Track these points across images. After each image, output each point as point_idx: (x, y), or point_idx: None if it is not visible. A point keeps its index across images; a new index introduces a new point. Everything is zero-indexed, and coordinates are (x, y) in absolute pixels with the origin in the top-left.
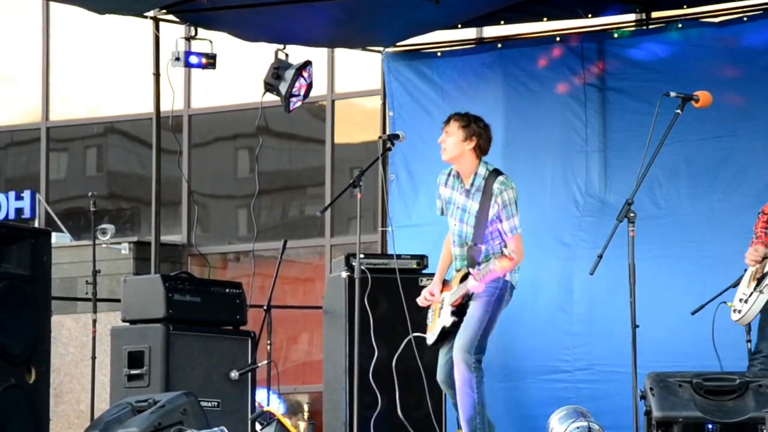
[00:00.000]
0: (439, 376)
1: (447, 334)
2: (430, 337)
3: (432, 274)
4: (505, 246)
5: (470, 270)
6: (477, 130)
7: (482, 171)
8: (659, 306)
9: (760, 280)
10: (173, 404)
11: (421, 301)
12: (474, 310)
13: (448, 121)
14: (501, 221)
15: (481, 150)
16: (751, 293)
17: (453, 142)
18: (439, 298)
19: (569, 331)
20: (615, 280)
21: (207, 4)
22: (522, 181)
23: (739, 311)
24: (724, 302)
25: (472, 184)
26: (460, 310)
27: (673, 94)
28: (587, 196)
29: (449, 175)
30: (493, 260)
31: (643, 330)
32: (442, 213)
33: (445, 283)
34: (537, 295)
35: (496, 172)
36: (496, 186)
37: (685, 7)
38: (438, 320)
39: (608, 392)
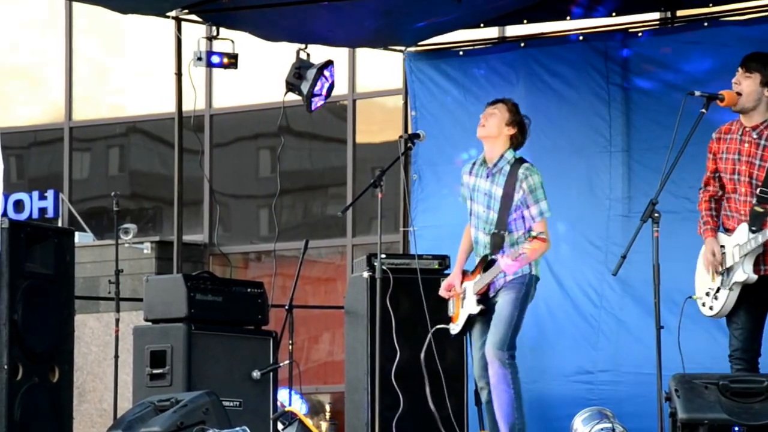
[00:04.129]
0: (476, 371)
1: (472, 324)
2: (455, 327)
3: None
4: (530, 231)
5: (495, 256)
6: (521, 121)
7: (509, 156)
8: (685, 307)
9: (724, 275)
10: (195, 404)
11: (442, 292)
12: (502, 308)
13: (494, 102)
14: (528, 206)
15: (517, 142)
16: (719, 288)
17: (495, 122)
18: (460, 290)
19: (594, 332)
20: (642, 281)
21: (229, 4)
22: (545, 182)
23: (711, 307)
24: (690, 296)
25: (495, 165)
26: (485, 298)
27: (697, 93)
28: (612, 197)
29: (474, 164)
30: (524, 243)
31: (668, 331)
32: (465, 201)
33: (464, 274)
34: (562, 295)
35: (521, 160)
36: (521, 171)
37: (710, 5)
38: (462, 310)
39: (632, 394)
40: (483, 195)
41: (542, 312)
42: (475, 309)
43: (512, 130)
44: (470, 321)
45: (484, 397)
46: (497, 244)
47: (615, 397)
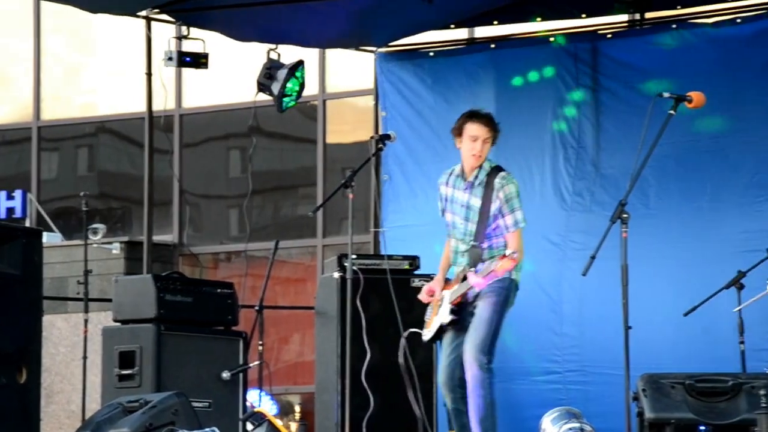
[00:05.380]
0: (441, 378)
1: (443, 333)
2: (427, 333)
3: (424, 275)
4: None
5: (470, 270)
6: (498, 131)
7: (486, 166)
8: (651, 307)
9: None
10: (164, 404)
11: (422, 297)
12: (483, 311)
13: (484, 124)
14: (503, 216)
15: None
16: None
17: (487, 150)
18: (439, 296)
19: (560, 332)
20: (606, 281)
21: (199, 4)
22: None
23: None
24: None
25: (475, 177)
26: (459, 309)
27: (666, 94)
28: (577, 196)
29: (450, 174)
30: (496, 260)
31: (636, 331)
32: (443, 213)
33: (446, 282)
34: (528, 295)
35: (498, 168)
36: (497, 181)
37: (678, 7)
38: (436, 318)
39: (600, 393)
40: (460, 207)
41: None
42: (447, 318)
43: (492, 144)
44: (442, 329)
45: (449, 404)
46: (476, 257)
47: (583, 396)
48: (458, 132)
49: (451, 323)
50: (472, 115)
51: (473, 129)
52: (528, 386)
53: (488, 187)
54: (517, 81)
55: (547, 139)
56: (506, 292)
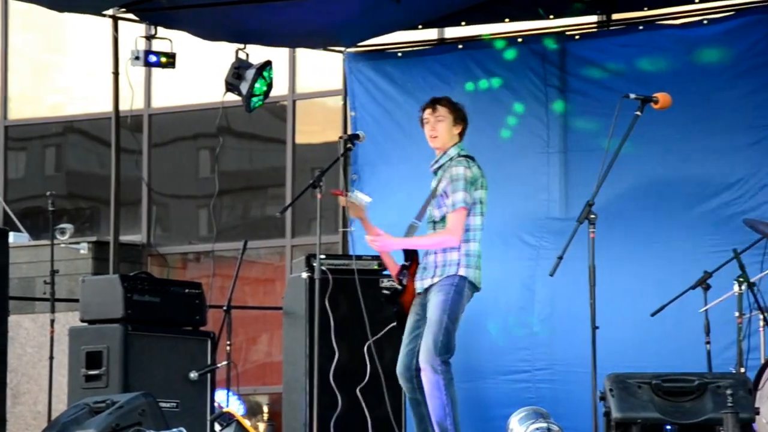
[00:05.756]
0: (398, 368)
1: (403, 321)
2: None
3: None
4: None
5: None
6: (463, 115)
7: (452, 152)
8: (620, 307)
9: None
10: (131, 405)
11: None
12: (432, 314)
13: (433, 106)
14: (448, 195)
15: (461, 137)
16: None
17: (445, 128)
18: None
19: (530, 331)
20: (577, 282)
21: (167, 3)
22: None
23: None
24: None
25: (437, 161)
26: (398, 298)
27: (632, 95)
28: (549, 197)
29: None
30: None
31: (604, 331)
32: None
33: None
34: (498, 295)
35: (465, 157)
36: (449, 161)
37: (645, 9)
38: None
39: (568, 393)
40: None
41: (478, 311)
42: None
43: (459, 128)
44: (402, 321)
45: (408, 394)
46: (410, 232)
47: (552, 396)
48: (420, 124)
49: (391, 295)
50: (435, 99)
51: (422, 114)
52: (497, 385)
53: (443, 170)
54: (483, 82)
55: (517, 140)
56: (454, 289)
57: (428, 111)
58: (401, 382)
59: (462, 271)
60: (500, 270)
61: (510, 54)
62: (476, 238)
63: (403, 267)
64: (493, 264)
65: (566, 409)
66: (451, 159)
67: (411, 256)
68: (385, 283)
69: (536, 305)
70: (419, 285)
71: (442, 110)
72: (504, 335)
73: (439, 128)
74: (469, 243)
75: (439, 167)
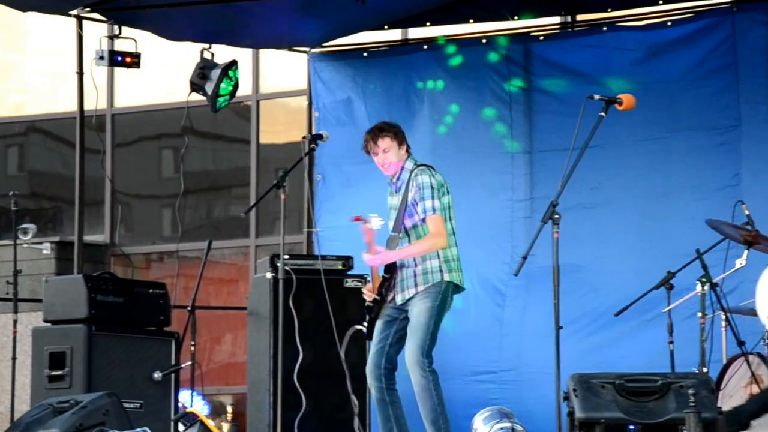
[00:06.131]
0: (368, 366)
1: (374, 321)
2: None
3: (357, 276)
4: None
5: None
6: (401, 133)
7: (409, 165)
8: (585, 307)
9: None
10: (95, 405)
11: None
12: (418, 317)
13: (374, 140)
14: (417, 204)
15: (408, 149)
16: None
17: (393, 155)
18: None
19: (500, 332)
20: (545, 281)
21: (131, 3)
22: (449, 184)
23: None
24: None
25: (398, 179)
26: (380, 299)
27: (597, 96)
28: (514, 198)
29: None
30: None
31: (568, 330)
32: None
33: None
34: (466, 296)
35: (424, 166)
36: (413, 172)
37: (609, 10)
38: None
39: (535, 393)
40: (393, 211)
41: (452, 315)
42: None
43: (404, 146)
44: (372, 324)
45: (374, 393)
46: (392, 245)
47: (518, 396)
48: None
49: (373, 306)
50: (372, 132)
51: (373, 147)
52: (463, 385)
53: (407, 183)
54: (450, 82)
55: (482, 141)
56: (441, 295)
57: (370, 146)
58: (370, 380)
59: (446, 276)
60: (466, 271)
61: (474, 55)
62: (452, 243)
63: (384, 279)
64: (467, 268)
65: (532, 409)
66: (411, 171)
67: (390, 268)
68: (349, 283)
69: (507, 307)
70: (400, 297)
71: (383, 143)
72: (471, 336)
73: (389, 158)
74: (446, 249)
75: (401, 184)
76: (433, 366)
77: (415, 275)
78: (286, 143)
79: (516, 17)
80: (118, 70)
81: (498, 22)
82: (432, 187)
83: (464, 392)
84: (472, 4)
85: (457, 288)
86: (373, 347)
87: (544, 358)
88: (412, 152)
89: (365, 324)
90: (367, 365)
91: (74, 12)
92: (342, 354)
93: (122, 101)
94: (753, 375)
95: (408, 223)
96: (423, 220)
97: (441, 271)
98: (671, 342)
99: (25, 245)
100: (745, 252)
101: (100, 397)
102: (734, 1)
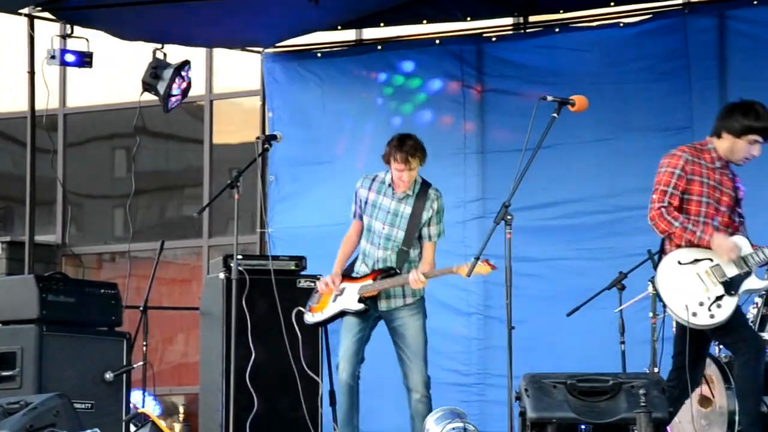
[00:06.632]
0: (345, 353)
1: (336, 319)
2: (317, 316)
3: (310, 276)
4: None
5: (402, 271)
6: (423, 155)
7: (419, 178)
8: (537, 308)
9: (728, 283)
10: (45, 406)
11: (321, 286)
12: (417, 337)
13: (409, 155)
14: (430, 225)
15: None
16: (721, 296)
17: (413, 176)
18: (338, 288)
19: (459, 336)
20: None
21: (83, 2)
22: None
23: (712, 315)
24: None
25: (413, 191)
26: (372, 302)
27: (549, 98)
28: (467, 198)
29: (374, 180)
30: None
31: (522, 331)
32: (355, 216)
33: (344, 277)
34: (428, 300)
35: (429, 183)
36: (432, 192)
37: (561, 11)
38: (333, 304)
39: (498, 396)
40: (386, 213)
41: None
42: (354, 306)
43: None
44: (339, 315)
45: (345, 378)
46: (403, 259)
47: (479, 399)
48: (386, 160)
49: (358, 313)
50: (399, 146)
51: (397, 164)
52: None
53: (420, 198)
54: (401, 83)
55: (435, 141)
56: (425, 313)
57: (401, 158)
58: (345, 366)
59: (423, 293)
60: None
61: (428, 55)
62: None
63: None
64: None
65: (493, 410)
66: (429, 189)
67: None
68: (302, 283)
69: (468, 309)
70: (385, 305)
71: (415, 162)
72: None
73: (413, 175)
74: None
75: (410, 193)
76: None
77: (403, 286)
78: (240, 143)
79: (469, 18)
80: (71, 70)
81: (451, 23)
82: (443, 213)
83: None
84: (426, 5)
85: None
86: (353, 336)
87: (498, 358)
88: (368, 152)
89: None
90: (345, 351)
91: (25, 11)
92: (293, 317)
93: (74, 101)
94: (704, 375)
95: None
96: (421, 238)
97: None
98: (623, 342)
99: None
100: None
101: (50, 398)
102: (686, 3)
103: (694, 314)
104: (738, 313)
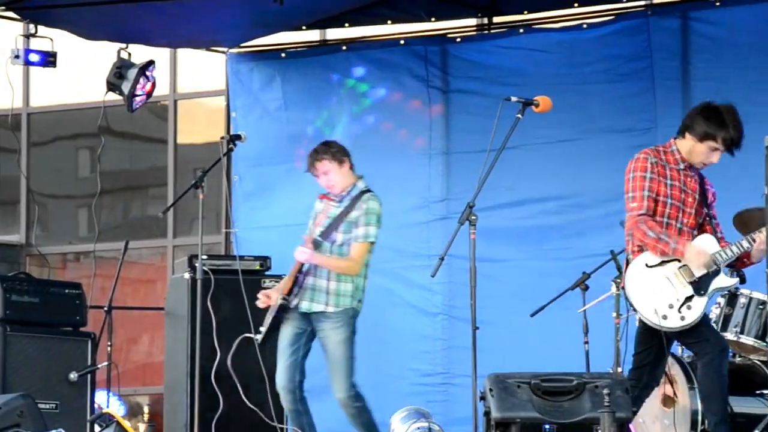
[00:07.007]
0: (281, 381)
1: (273, 333)
2: (261, 330)
3: (276, 276)
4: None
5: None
6: (341, 149)
7: (361, 185)
8: (501, 308)
9: (698, 284)
10: (9, 406)
11: (259, 302)
12: (336, 350)
13: (312, 166)
14: (358, 226)
15: (352, 165)
16: (691, 297)
17: (335, 175)
18: (276, 300)
19: (424, 337)
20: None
21: (47, 1)
22: (367, 183)
23: (683, 317)
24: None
25: (348, 193)
26: (288, 296)
27: (513, 98)
28: (431, 199)
29: (328, 194)
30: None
31: (487, 332)
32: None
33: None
34: (393, 300)
35: (370, 191)
36: (366, 195)
37: (525, 12)
38: (268, 315)
39: (463, 396)
40: (326, 218)
41: (374, 319)
42: (278, 302)
43: (346, 163)
44: (276, 328)
45: (288, 405)
46: (317, 247)
47: (444, 398)
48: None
49: (283, 309)
50: (311, 155)
51: (313, 170)
52: (395, 390)
53: (354, 200)
54: (366, 84)
55: (399, 141)
56: (351, 326)
57: (312, 170)
58: (283, 394)
59: (354, 304)
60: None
61: (392, 56)
62: (365, 274)
63: (297, 279)
64: (384, 269)
65: (459, 411)
66: (362, 192)
67: (302, 270)
68: (267, 283)
69: (433, 310)
70: (307, 305)
71: (321, 165)
72: (400, 339)
73: (331, 179)
74: (362, 278)
75: (347, 196)
76: (359, 389)
77: (327, 292)
78: (204, 143)
79: (433, 18)
80: (34, 69)
81: (415, 24)
82: (378, 217)
83: (396, 397)
84: (390, 6)
85: (357, 315)
86: (285, 360)
87: (462, 358)
88: None
89: (263, 328)
90: (280, 378)
91: None
92: (228, 362)
93: (38, 100)
94: (666, 375)
95: (339, 238)
96: (349, 242)
97: (352, 297)
98: (586, 342)
99: None
100: None
101: (14, 398)
102: (648, 4)
103: (665, 317)
104: None
